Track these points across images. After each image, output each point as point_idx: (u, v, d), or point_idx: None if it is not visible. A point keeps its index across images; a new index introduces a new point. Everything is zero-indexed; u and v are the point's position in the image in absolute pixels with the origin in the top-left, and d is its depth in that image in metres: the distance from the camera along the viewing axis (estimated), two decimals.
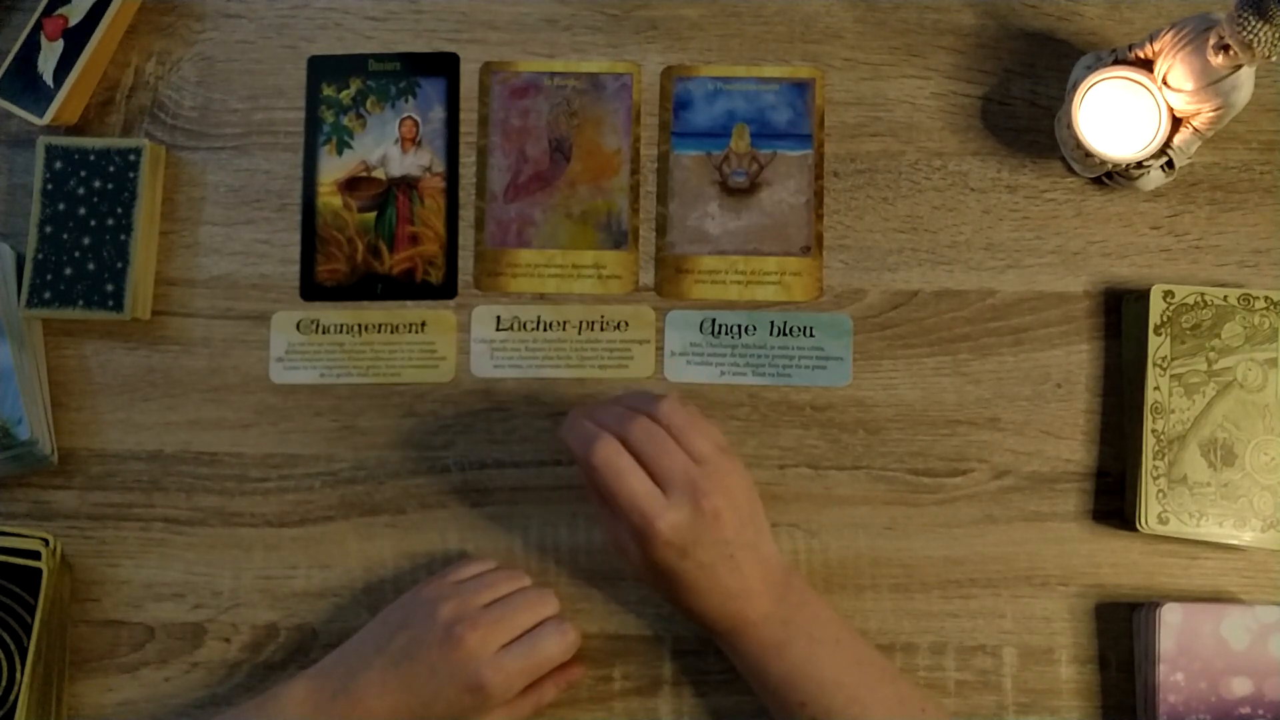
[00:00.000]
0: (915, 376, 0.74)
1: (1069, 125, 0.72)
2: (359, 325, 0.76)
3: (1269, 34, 0.62)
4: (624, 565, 0.68)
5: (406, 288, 0.76)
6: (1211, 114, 0.69)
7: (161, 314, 0.76)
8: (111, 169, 0.74)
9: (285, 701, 0.65)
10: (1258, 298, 0.72)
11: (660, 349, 0.75)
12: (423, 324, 0.76)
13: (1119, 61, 0.72)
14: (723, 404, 0.74)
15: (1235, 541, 0.70)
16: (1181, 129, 0.71)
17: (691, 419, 0.65)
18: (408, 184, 0.77)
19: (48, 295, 0.73)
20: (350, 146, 0.77)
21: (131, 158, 0.74)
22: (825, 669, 0.64)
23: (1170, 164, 0.73)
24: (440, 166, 0.77)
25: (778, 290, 0.75)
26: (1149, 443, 0.71)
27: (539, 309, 0.76)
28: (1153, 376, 0.71)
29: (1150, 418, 0.71)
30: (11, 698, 0.68)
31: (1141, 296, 0.72)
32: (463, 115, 0.77)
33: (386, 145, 0.77)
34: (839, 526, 0.73)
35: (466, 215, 0.76)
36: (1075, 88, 0.72)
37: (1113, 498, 0.73)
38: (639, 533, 0.63)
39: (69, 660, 0.72)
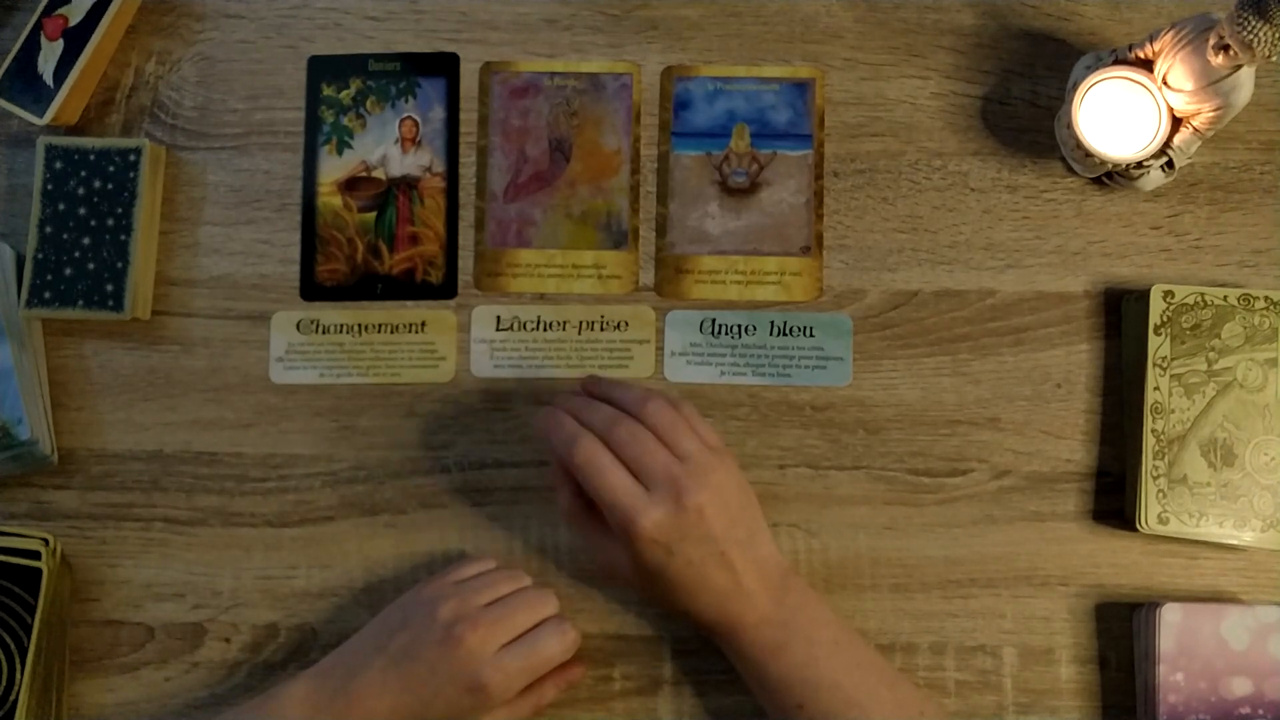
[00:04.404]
0: (915, 376, 0.74)
1: (1069, 125, 0.72)
2: (359, 325, 0.76)
3: (1269, 34, 0.62)
4: (614, 581, 0.69)
5: (406, 288, 0.76)
6: (1211, 114, 0.69)
7: (161, 314, 0.76)
8: (111, 169, 0.74)
9: (285, 701, 0.65)
10: (1258, 298, 0.72)
11: (660, 349, 0.75)
12: (423, 324, 0.76)
13: (1119, 61, 0.72)
14: (723, 404, 0.74)
15: (1235, 541, 0.70)
16: (1181, 129, 0.71)
17: (678, 419, 0.65)
18: (408, 184, 0.77)
19: (48, 295, 0.73)
20: (350, 146, 0.77)
21: (131, 158, 0.74)
22: (823, 671, 0.64)
23: (1170, 164, 0.73)
24: (440, 166, 0.77)
25: (778, 290, 0.75)
26: (1149, 443, 0.71)
27: (539, 309, 0.76)
28: (1153, 376, 0.71)
29: (1150, 418, 0.71)
30: (11, 698, 0.68)
31: (1141, 296, 0.72)
32: (463, 115, 0.77)
33: (386, 145, 0.77)
34: (839, 526, 0.73)
35: (466, 215, 0.76)
36: (1075, 88, 0.72)
37: (1113, 498, 0.73)
38: (622, 531, 0.63)
39: (69, 660, 0.72)
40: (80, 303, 0.73)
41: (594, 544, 0.67)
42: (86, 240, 0.74)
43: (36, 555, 0.70)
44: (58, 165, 0.74)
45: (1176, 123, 0.71)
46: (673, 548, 0.63)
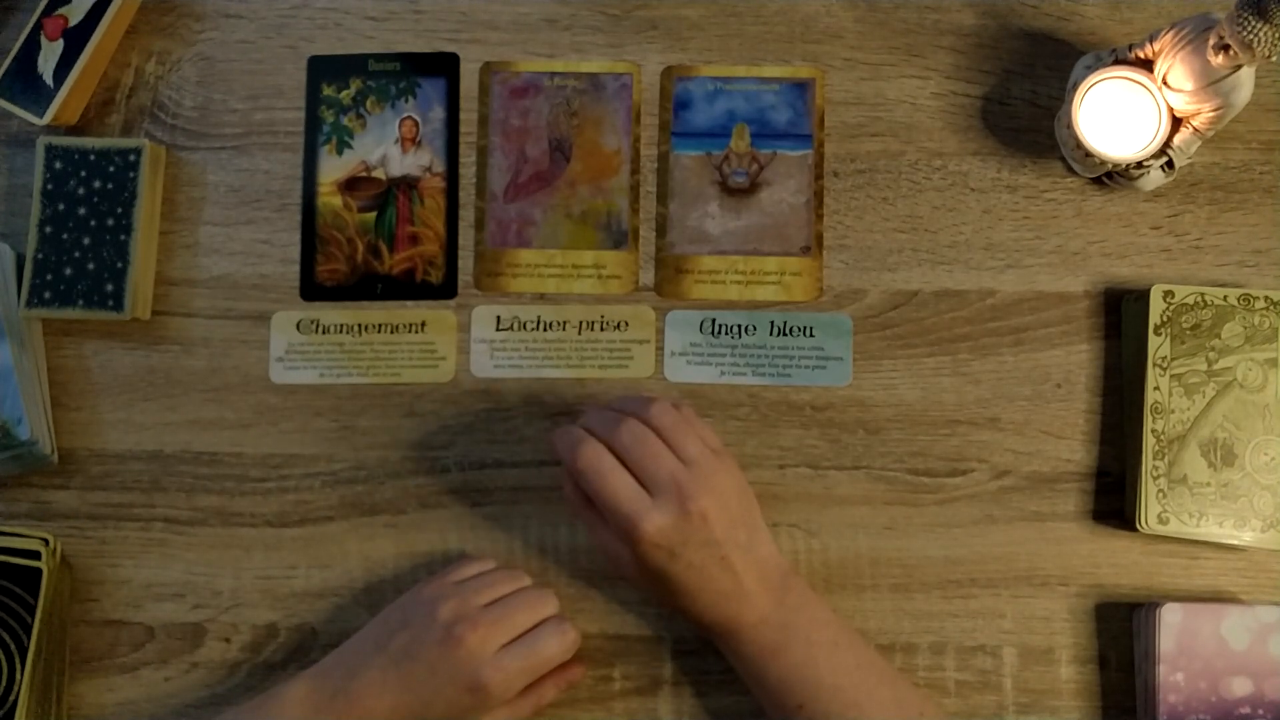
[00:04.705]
0: (915, 376, 0.74)
1: (1069, 125, 0.72)
2: (359, 325, 0.76)
3: (1269, 34, 0.62)
4: (617, 573, 0.68)
5: (406, 288, 0.76)
6: (1211, 114, 0.69)
7: (161, 314, 0.76)
8: (111, 169, 0.74)
9: (285, 701, 0.65)
10: (1258, 298, 0.72)
11: (660, 349, 0.75)
12: (423, 324, 0.76)
13: (1119, 61, 0.72)
14: (723, 404, 0.74)
15: (1235, 541, 0.70)
16: (1181, 129, 0.71)
17: (680, 421, 0.65)
18: (408, 184, 0.77)
19: (48, 295, 0.73)
20: (350, 146, 0.77)
21: (131, 158, 0.74)
22: (823, 672, 0.64)
23: (1170, 164, 0.73)
24: (440, 166, 0.77)
25: (778, 290, 0.75)
26: (1149, 443, 0.71)
27: (539, 309, 0.76)
28: (1153, 376, 0.71)
29: (1150, 418, 0.71)
30: (11, 698, 0.68)
31: (1141, 296, 0.72)
32: (463, 115, 0.77)
33: (386, 145, 0.77)
34: (839, 526, 0.73)
35: (466, 215, 0.76)
36: (1075, 88, 0.72)
37: (1113, 498, 0.73)
38: (625, 535, 0.63)
39: (69, 660, 0.72)
40: (80, 303, 0.73)
41: (598, 535, 0.66)
42: (86, 240, 0.74)
43: (36, 555, 0.70)
44: (58, 165, 0.74)
45: (1176, 123, 0.71)
46: (675, 551, 0.63)
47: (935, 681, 0.72)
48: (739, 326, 0.75)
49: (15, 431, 0.71)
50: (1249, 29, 0.62)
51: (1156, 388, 0.71)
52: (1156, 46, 0.70)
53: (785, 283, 0.75)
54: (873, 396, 0.74)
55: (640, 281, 0.76)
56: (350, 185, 0.77)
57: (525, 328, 0.75)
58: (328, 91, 0.77)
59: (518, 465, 0.74)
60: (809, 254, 0.76)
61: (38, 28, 0.75)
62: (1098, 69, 0.72)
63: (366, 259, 0.76)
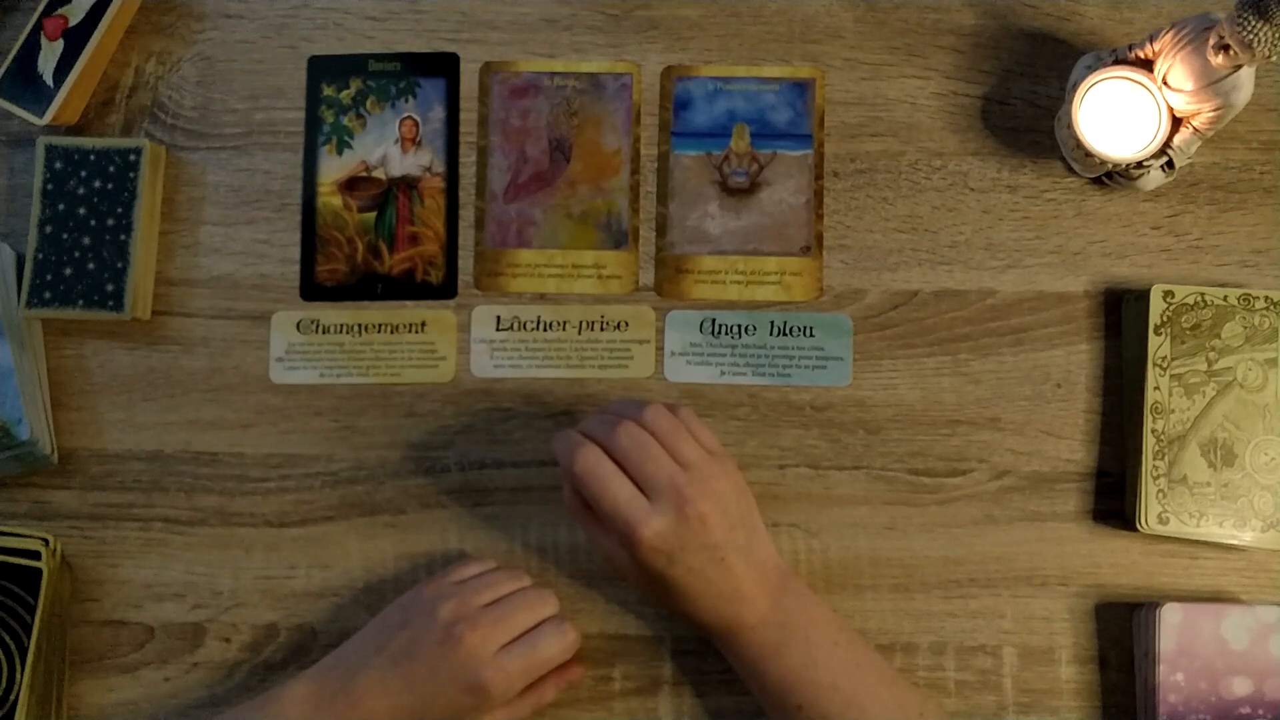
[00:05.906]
0: (915, 376, 0.74)
1: (1069, 125, 0.72)
2: (359, 325, 0.76)
3: (1269, 34, 0.62)
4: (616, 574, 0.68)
5: (406, 288, 0.76)
6: (1211, 114, 0.69)
7: (161, 314, 0.76)
8: (111, 169, 0.74)
9: (285, 701, 0.65)
10: (1258, 298, 0.72)
11: (660, 349, 0.75)
12: (423, 324, 0.76)
13: (1119, 61, 0.72)
14: (723, 404, 0.74)
15: (1235, 541, 0.70)
16: (1181, 129, 0.71)
17: (678, 424, 0.65)
18: (408, 184, 0.77)
19: (48, 295, 0.73)
20: (350, 146, 0.77)
21: (131, 158, 0.74)
22: (822, 672, 0.64)
23: (1170, 164, 0.73)
24: (440, 166, 0.77)
25: (778, 290, 0.75)
26: (1149, 443, 0.71)
27: (539, 309, 0.76)
28: (1153, 376, 0.71)
29: (1150, 418, 0.71)
30: (11, 698, 0.68)
31: (1141, 296, 0.72)
32: (463, 115, 0.77)
33: (386, 145, 0.77)
34: (839, 526, 0.73)
35: (466, 215, 0.76)
36: (1075, 88, 0.72)
37: (1113, 498, 0.73)
38: (624, 540, 0.63)
39: (69, 660, 0.72)
40: (80, 303, 0.73)
41: (597, 538, 0.67)
42: (86, 240, 0.74)
43: (36, 555, 0.70)
44: (58, 165, 0.74)
45: (1176, 123, 0.71)
46: (674, 556, 0.63)
47: (935, 681, 0.72)
48: (739, 326, 0.75)
49: (15, 431, 0.71)
50: (1249, 29, 0.62)
51: (1156, 388, 0.71)
52: (1156, 46, 0.70)
53: (785, 283, 0.75)
54: (873, 396, 0.74)
55: (640, 281, 0.76)
56: (350, 185, 0.77)
57: (525, 328, 0.75)
58: (328, 91, 0.77)
59: (518, 465, 0.74)
60: (809, 254, 0.76)
61: (38, 28, 0.75)
62: (1098, 69, 0.72)
63: (366, 259, 0.76)
